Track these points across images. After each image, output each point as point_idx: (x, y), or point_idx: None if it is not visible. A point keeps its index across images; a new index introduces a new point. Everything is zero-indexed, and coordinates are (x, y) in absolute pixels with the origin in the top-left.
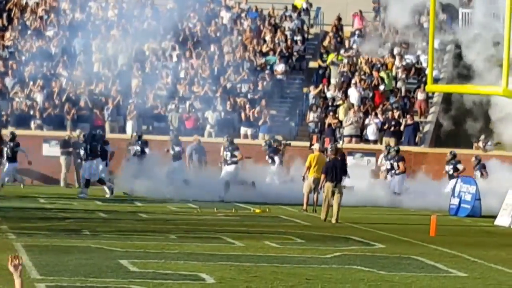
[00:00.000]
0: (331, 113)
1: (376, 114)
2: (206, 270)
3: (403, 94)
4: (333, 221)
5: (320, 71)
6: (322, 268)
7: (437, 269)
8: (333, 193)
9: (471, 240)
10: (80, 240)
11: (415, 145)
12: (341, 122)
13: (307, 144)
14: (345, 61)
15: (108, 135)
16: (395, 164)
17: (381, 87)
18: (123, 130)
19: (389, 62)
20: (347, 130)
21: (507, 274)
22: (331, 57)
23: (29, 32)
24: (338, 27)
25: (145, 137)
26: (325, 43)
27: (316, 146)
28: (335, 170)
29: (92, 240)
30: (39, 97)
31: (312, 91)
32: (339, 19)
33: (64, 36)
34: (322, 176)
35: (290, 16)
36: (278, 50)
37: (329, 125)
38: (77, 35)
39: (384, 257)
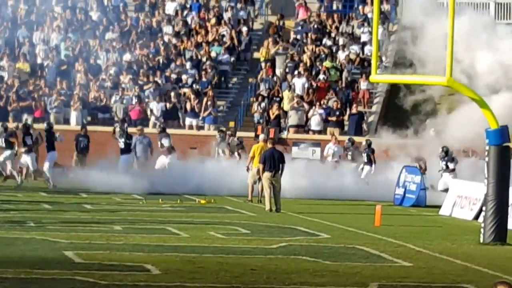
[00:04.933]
0: (275, 104)
1: (320, 104)
2: (151, 261)
3: (347, 84)
4: (273, 209)
5: (265, 62)
6: (268, 259)
7: (382, 259)
8: (272, 183)
9: (416, 230)
10: (25, 232)
11: (360, 135)
12: (286, 112)
13: (252, 134)
14: (290, 51)
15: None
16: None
17: (325, 77)
18: (67, 121)
19: (334, 53)
20: (291, 120)
21: (451, 263)
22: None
23: None
24: (283, 18)
25: (89, 128)
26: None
27: (260, 136)
28: (273, 159)
29: (36, 231)
30: None
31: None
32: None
33: (7, 27)
34: (260, 166)
35: (235, 7)
36: (223, 40)
37: (274, 115)
38: (20, 27)
39: (329, 247)
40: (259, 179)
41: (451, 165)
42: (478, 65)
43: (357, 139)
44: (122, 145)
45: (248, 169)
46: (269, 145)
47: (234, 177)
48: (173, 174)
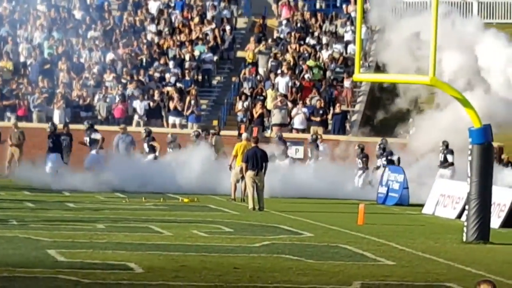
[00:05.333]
0: (259, 103)
1: (304, 103)
2: (134, 260)
3: (330, 83)
4: (257, 208)
5: (248, 61)
6: (251, 257)
7: (365, 257)
8: (255, 181)
9: (399, 229)
10: (7, 230)
11: (343, 134)
12: (269, 111)
13: (236, 133)
14: (273, 50)
15: (36, 125)
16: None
17: (309, 76)
18: (50, 120)
19: (317, 51)
20: (275, 119)
21: (434, 262)
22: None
23: None
24: (266, 17)
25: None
26: (254, 32)
27: (243, 135)
28: (255, 158)
29: (19, 230)
30: None
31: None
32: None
33: None
34: (243, 165)
35: (219, 6)
36: (206, 39)
37: (258, 114)
38: (3, 25)
39: (312, 245)
40: (242, 177)
41: (450, 158)
42: (444, 65)
43: (342, 138)
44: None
45: (230, 168)
46: (252, 144)
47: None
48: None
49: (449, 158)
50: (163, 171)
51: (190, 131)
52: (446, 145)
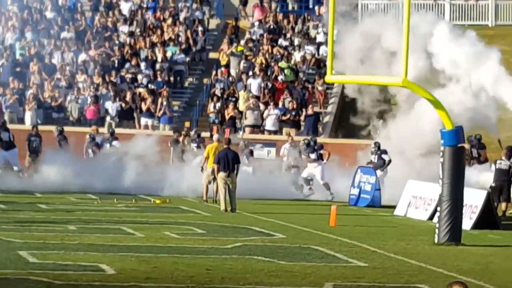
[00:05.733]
0: (231, 104)
1: (276, 105)
2: (106, 261)
3: (302, 85)
4: (229, 209)
5: (220, 62)
6: (223, 259)
7: (337, 259)
8: (226, 183)
9: (371, 230)
10: None
11: (316, 135)
12: (241, 112)
13: (208, 134)
14: (245, 52)
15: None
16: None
17: (281, 78)
18: (21, 121)
19: (289, 53)
20: (247, 120)
21: (406, 264)
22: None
23: None
24: (239, 18)
25: (41, 128)
26: (226, 34)
27: (215, 136)
28: (227, 160)
29: None
30: None
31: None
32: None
33: None
34: (215, 166)
35: (191, 7)
36: (178, 41)
37: (230, 116)
38: None
39: (284, 247)
40: (214, 179)
41: (386, 158)
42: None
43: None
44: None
45: (202, 169)
46: (224, 145)
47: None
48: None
49: (385, 158)
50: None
51: (162, 133)
52: (378, 146)
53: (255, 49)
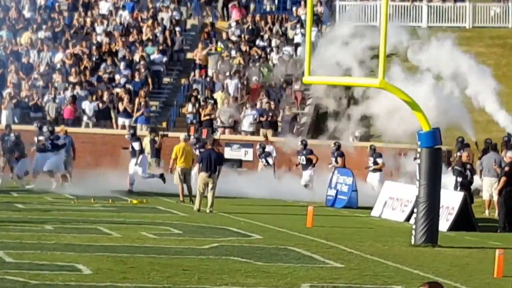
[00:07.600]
0: (208, 105)
1: (253, 105)
2: (82, 261)
3: (280, 86)
4: (207, 210)
5: (198, 62)
6: (199, 259)
7: (313, 260)
8: (207, 184)
9: (348, 231)
10: None
11: (292, 136)
12: (218, 113)
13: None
14: (223, 52)
15: None
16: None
17: (259, 79)
18: None
19: (267, 54)
20: (224, 121)
21: (382, 265)
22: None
23: None
24: (216, 19)
25: (19, 127)
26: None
27: (181, 136)
28: (209, 160)
29: None
30: None
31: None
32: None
33: None
34: (197, 166)
35: (169, 7)
36: (156, 41)
37: (207, 116)
38: None
39: (261, 248)
40: (185, 179)
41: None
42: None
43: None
44: None
45: (171, 171)
46: (208, 146)
47: None
48: None
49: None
50: None
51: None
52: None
53: (233, 50)
